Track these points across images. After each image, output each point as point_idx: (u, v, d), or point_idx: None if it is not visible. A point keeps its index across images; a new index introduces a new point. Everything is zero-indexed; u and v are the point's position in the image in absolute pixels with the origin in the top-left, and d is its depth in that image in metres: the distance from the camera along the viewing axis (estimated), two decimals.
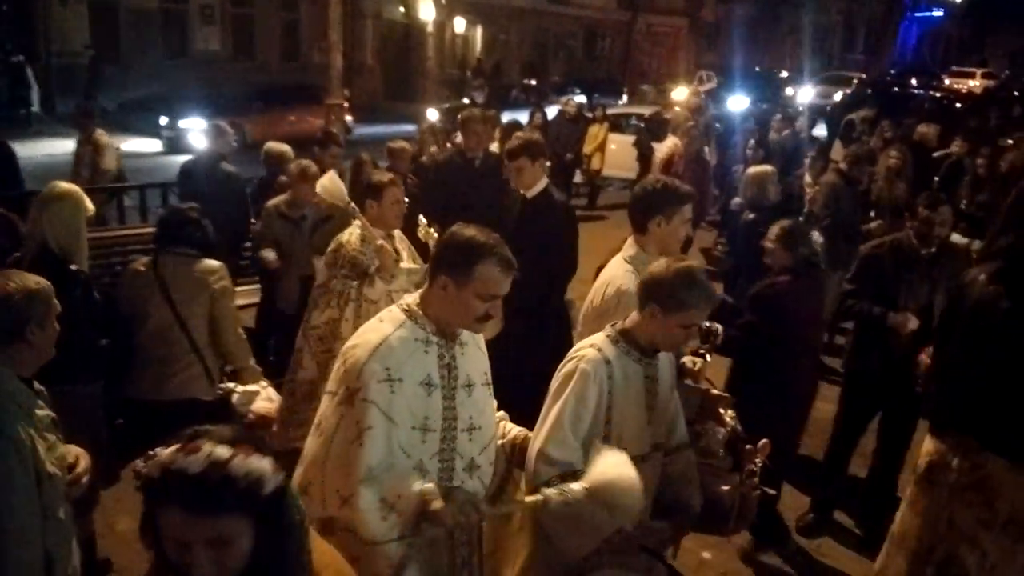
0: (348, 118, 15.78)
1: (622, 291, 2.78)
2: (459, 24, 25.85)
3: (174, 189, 7.12)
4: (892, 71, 36.36)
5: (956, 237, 7.00)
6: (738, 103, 15.62)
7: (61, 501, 2.14)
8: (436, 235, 3.81)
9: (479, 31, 27.05)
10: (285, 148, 5.92)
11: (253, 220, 5.68)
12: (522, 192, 4.22)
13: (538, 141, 4.29)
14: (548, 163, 4.55)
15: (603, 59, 31.81)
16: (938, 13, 46.88)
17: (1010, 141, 9.06)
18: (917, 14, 44.95)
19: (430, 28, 24.42)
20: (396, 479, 1.99)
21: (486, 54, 26.46)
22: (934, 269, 3.74)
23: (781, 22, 36.85)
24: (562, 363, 2.39)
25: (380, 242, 3.69)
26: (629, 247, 3.01)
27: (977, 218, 6.90)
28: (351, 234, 3.74)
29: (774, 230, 3.76)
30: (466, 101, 14.43)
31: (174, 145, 14.65)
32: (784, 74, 26.58)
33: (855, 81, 25.20)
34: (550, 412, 2.30)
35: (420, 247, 4.06)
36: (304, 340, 3.86)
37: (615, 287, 2.83)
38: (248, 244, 5.73)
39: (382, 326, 2.13)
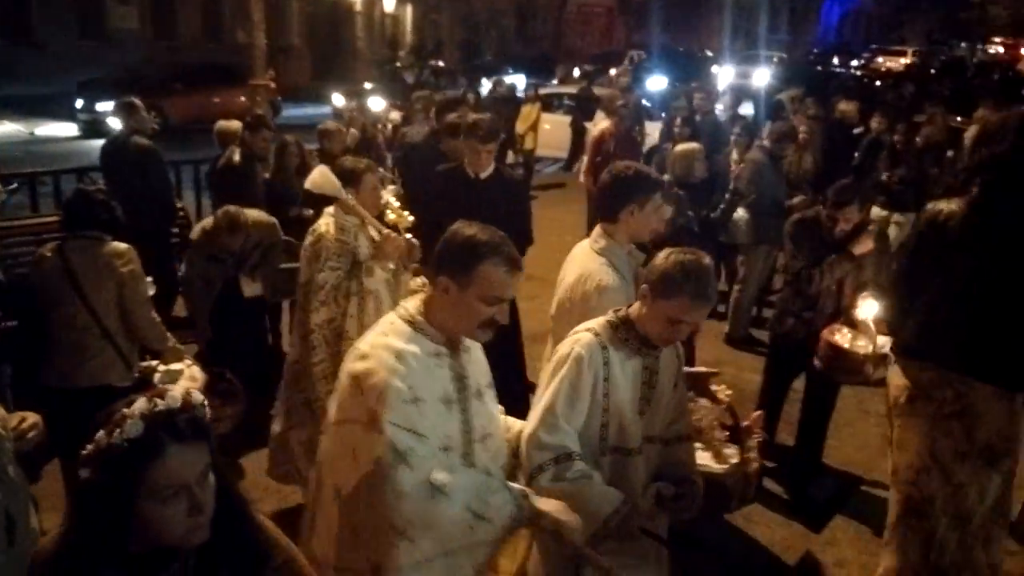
0: (277, 99, 15.43)
1: (603, 286, 2.69)
2: (388, 3, 25.42)
3: (90, 174, 6.86)
4: (815, 50, 37.34)
5: (876, 210, 7.27)
6: (657, 83, 15.65)
7: (9, 461, 2.08)
8: (411, 219, 3.70)
9: (409, 10, 26.66)
10: (236, 126, 5.89)
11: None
12: (476, 173, 4.24)
13: (494, 123, 4.32)
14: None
15: (535, 39, 31.77)
16: None
17: (924, 116, 9.40)
18: None
19: (358, 7, 23.97)
20: (475, 488, 1.90)
21: (416, 34, 26.11)
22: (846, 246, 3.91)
23: (709, 2, 37.37)
24: (560, 345, 2.31)
25: (386, 232, 3.57)
26: (598, 238, 2.88)
27: (895, 191, 7.16)
28: (327, 224, 3.54)
29: None
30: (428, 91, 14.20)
31: (91, 129, 14.09)
32: (709, 54, 26.87)
33: (775, 60, 25.79)
34: (543, 396, 2.23)
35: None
36: (304, 347, 3.57)
37: (595, 283, 2.71)
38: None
39: (391, 341, 1.94)
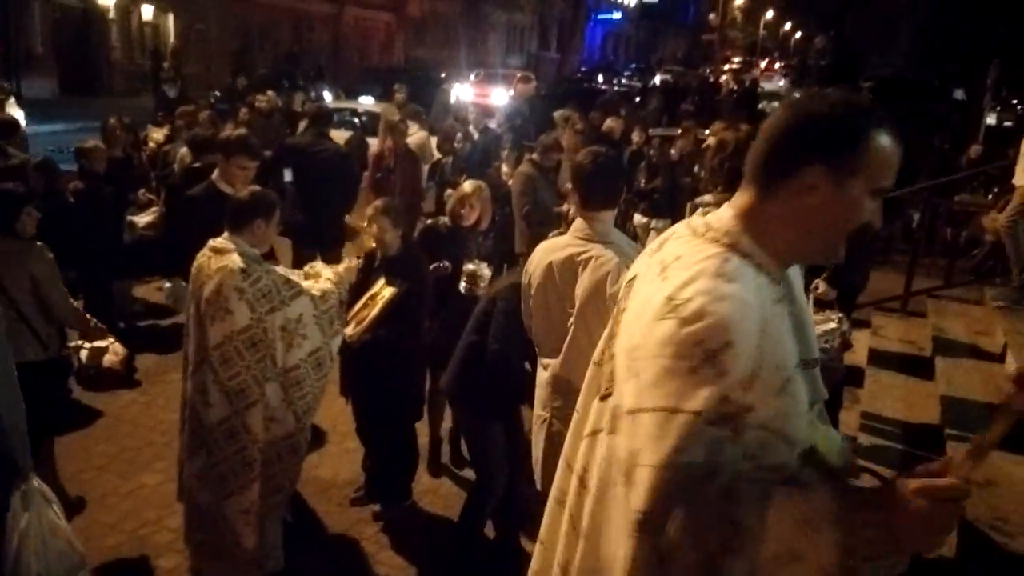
0: (19, 113, 13.79)
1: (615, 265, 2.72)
2: (147, 11, 23.68)
3: None
4: (582, 69, 39.81)
5: (638, 217, 7.93)
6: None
7: None
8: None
9: (171, 19, 25.01)
10: None
11: None
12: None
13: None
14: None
15: (312, 52, 31.04)
16: (617, 16, 52.19)
17: (679, 131, 10.38)
18: (600, 16, 49.60)
19: (112, 14, 22.09)
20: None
21: (181, 44, 24.55)
22: None
23: (483, 20, 38.60)
24: None
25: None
26: (581, 227, 2.90)
27: (654, 200, 7.85)
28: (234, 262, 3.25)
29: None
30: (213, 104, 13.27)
31: None
32: (442, 75, 27.36)
33: (518, 77, 27.20)
34: None
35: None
36: (206, 370, 3.31)
37: (607, 262, 2.73)
38: None
39: (725, 288, 1.31)
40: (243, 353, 3.24)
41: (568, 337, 2.88)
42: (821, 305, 3.91)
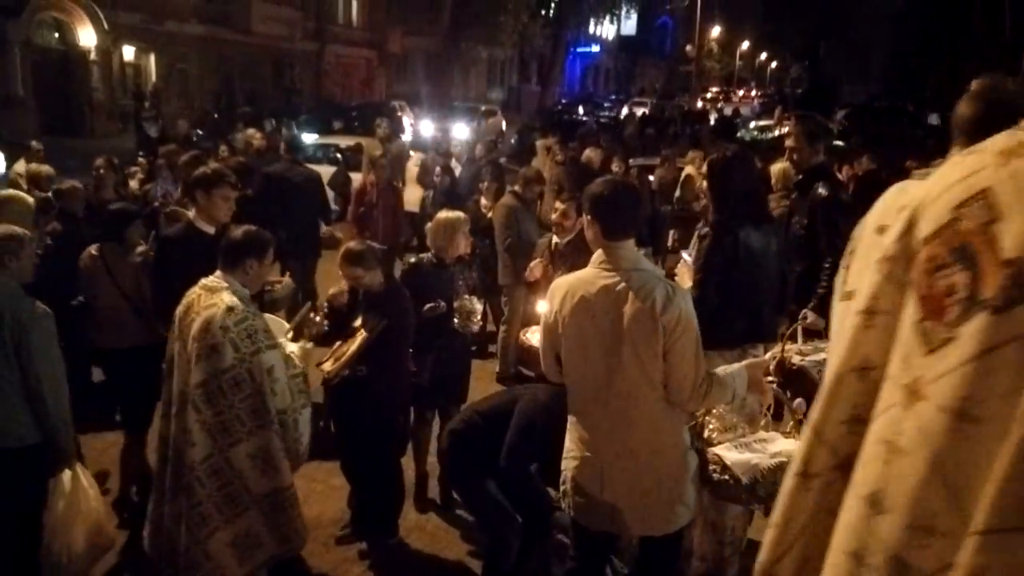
0: None
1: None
2: (128, 52, 23.76)
3: None
4: (563, 101, 40.31)
5: None
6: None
7: None
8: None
9: (153, 59, 25.10)
10: None
11: None
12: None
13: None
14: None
15: (294, 90, 31.20)
16: (595, 49, 52.99)
17: (657, 160, 10.51)
18: (579, 50, 50.33)
19: (93, 56, 22.13)
20: None
21: (164, 84, 24.61)
22: None
23: (464, 55, 39.03)
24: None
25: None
26: (609, 257, 2.79)
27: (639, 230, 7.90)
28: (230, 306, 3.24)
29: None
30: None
31: None
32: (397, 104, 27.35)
33: (483, 110, 27.62)
34: None
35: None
36: (189, 409, 3.25)
37: (651, 291, 2.71)
38: None
39: None
40: (226, 392, 3.21)
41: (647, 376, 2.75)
42: (810, 335, 3.85)
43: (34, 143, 9.88)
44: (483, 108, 28.76)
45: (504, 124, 27.98)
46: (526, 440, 3.49)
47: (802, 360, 3.58)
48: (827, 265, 4.03)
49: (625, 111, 34.10)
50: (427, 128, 18.46)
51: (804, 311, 3.97)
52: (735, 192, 3.71)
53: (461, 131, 17.79)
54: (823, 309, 4.04)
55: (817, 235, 4.16)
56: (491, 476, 3.62)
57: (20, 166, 9.23)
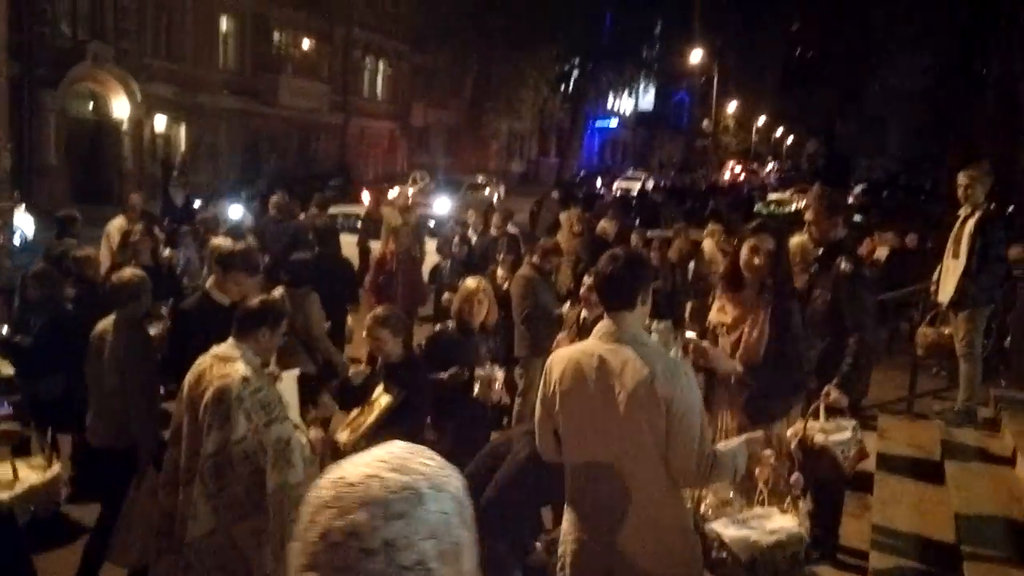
0: (28, 220, 14.07)
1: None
2: (160, 122, 24.52)
3: None
4: (582, 173, 40.92)
5: None
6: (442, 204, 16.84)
7: None
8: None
9: (183, 130, 25.87)
10: None
11: None
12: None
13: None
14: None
15: (319, 160, 31.95)
16: (614, 123, 54.03)
17: (670, 232, 10.56)
18: (597, 124, 51.34)
19: (125, 126, 22.85)
20: None
21: (192, 153, 25.29)
22: None
23: (484, 127, 39.89)
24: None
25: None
26: (608, 330, 2.76)
27: (654, 301, 7.88)
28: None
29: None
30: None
31: None
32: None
33: (472, 183, 27.79)
34: None
35: None
36: (196, 481, 3.18)
37: (642, 366, 2.64)
38: None
39: None
40: (235, 465, 3.14)
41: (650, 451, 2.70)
42: (832, 412, 3.74)
43: (134, 196, 9.21)
44: (469, 182, 28.41)
45: (497, 198, 26.95)
46: (506, 497, 3.51)
47: (825, 439, 3.50)
48: (852, 341, 3.97)
49: (617, 191, 30.87)
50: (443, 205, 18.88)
51: (827, 387, 3.87)
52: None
53: (443, 205, 18.23)
54: (847, 386, 3.95)
55: (840, 310, 4.12)
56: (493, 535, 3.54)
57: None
